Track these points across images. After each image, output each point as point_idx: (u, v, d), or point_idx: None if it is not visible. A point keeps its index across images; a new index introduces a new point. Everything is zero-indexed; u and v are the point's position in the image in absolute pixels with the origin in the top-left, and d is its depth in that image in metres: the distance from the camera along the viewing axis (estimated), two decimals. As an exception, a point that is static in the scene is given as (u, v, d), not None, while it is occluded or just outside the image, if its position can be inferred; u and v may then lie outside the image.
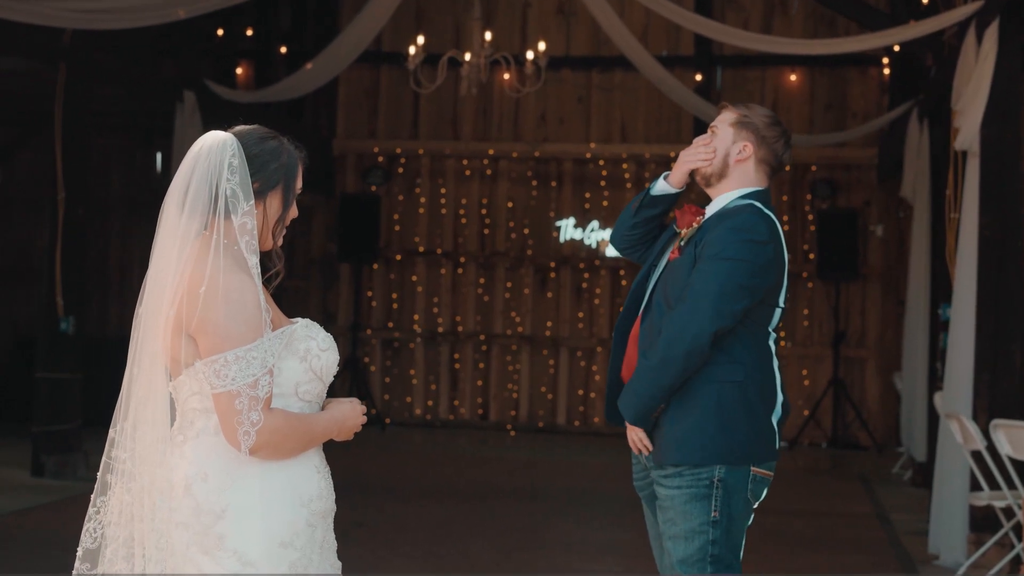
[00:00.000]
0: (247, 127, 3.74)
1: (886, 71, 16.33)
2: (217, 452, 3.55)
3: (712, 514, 4.64)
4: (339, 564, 3.79)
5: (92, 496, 3.64)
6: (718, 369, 4.66)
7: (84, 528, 3.64)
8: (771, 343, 4.79)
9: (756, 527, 10.40)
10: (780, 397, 4.77)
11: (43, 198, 11.83)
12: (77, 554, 3.64)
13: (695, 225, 4.87)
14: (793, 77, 16.83)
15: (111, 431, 3.65)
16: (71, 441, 11.78)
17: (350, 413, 3.75)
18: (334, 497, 3.73)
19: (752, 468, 4.66)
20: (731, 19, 16.41)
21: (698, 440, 4.64)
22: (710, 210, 4.91)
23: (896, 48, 13.74)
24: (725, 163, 4.90)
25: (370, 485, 11.48)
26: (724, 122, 4.94)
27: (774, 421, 4.72)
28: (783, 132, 4.95)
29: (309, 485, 3.64)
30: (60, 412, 11.73)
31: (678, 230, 4.95)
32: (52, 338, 11.80)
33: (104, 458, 3.65)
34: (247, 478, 3.55)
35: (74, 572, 3.66)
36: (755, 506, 4.79)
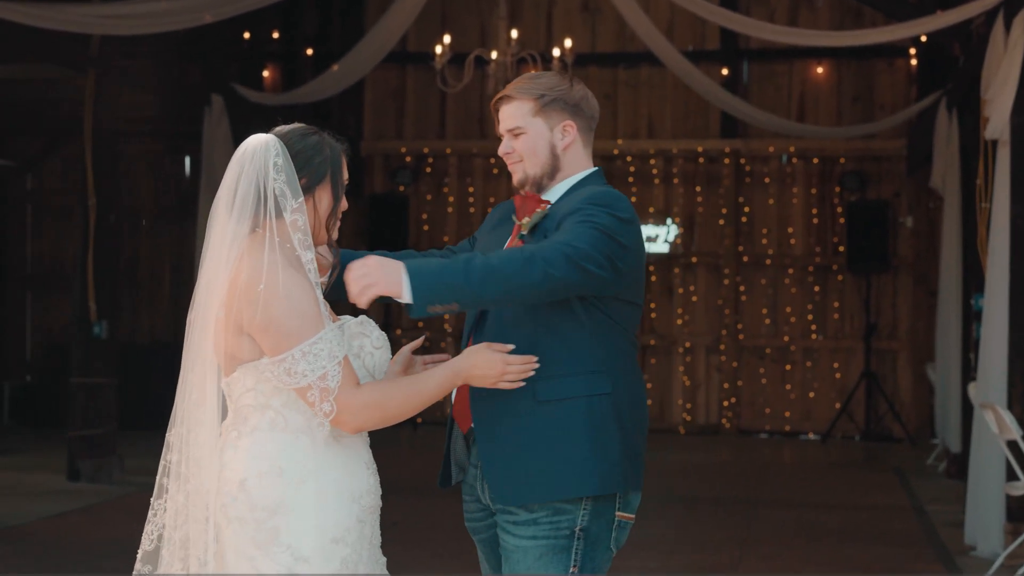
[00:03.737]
0: (287, 126, 3.82)
1: (913, 62, 16.25)
2: (271, 448, 3.62)
3: (571, 569, 3.92)
4: (384, 560, 3.84)
5: (152, 499, 3.73)
6: (580, 381, 3.90)
7: (144, 531, 3.74)
8: (634, 349, 4.09)
9: (791, 521, 10.40)
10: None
11: (74, 205, 11.89)
12: (137, 555, 3.75)
13: (540, 210, 4.08)
14: (820, 70, 16.77)
15: (168, 435, 3.73)
16: (106, 445, 11.84)
17: (480, 362, 3.76)
18: (380, 493, 3.79)
19: (617, 513, 3.95)
20: (757, 12, 16.36)
21: (567, 470, 3.87)
22: (553, 196, 4.13)
23: (923, 38, 13.69)
24: (553, 156, 4.10)
25: (403, 484, 11.47)
26: (526, 114, 4.07)
27: (640, 442, 4.03)
28: (577, 82, 4.16)
29: (360, 481, 3.70)
30: (95, 417, 11.80)
31: (518, 220, 4.15)
32: (86, 343, 11.87)
33: (162, 461, 3.73)
34: (301, 475, 3.60)
35: (134, 573, 3.77)
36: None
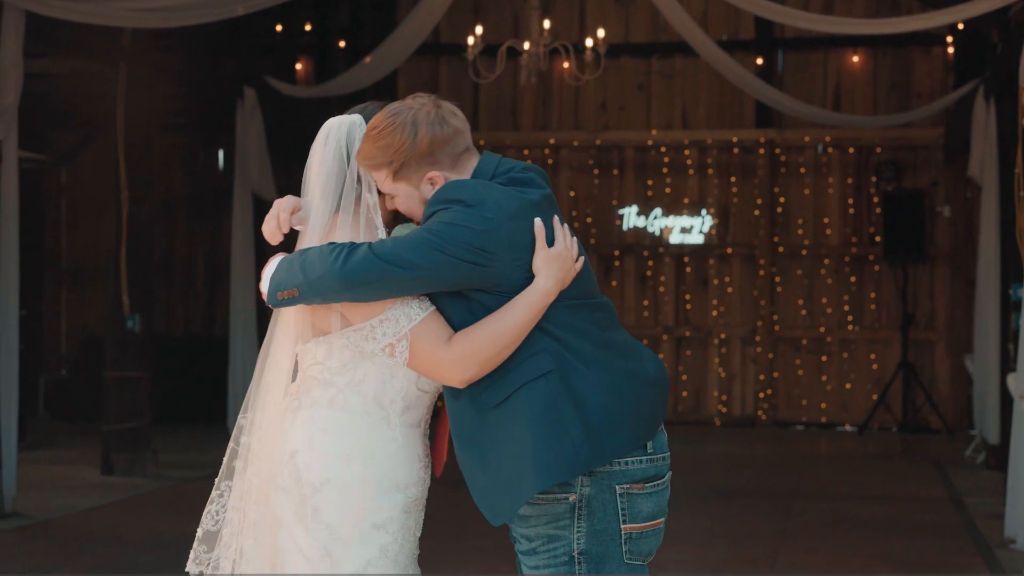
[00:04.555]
0: (364, 105, 3.89)
1: (950, 49, 16.10)
2: (325, 425, 3.66)
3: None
4: (417, 551, 3.83)
5: (216, 480, 3.78)
6: (519, 371, 3.65)
7: (206, 511, 3.78)
8: (589, 317, 3.81)
9: (829, 514, 10.32)
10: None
11: (108, 199, 11.88)
12: (197, 535, 3.78)
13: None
14: (856, 58, 16.64)
15: (239, 419, 3.81)
16: (140, 439, 11.83)
17: (557, 270, 3.64)
18: (428, 486, 3.80)
19: (620, 487, 3.67)
20: (792, 1, 16.25)
21: (515, 473, 3.61)
22: None
23: (960, 25, 13.55)
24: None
25: (444, 476, 11.43)
26: (385, 182, 3.73)
27: (624, 405, 3.70)
28: (424, 109, 3.73)
29: (409, 472, 3.72)
30: (128, 410, 11.79)
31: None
32: (119, 337, 11.87)
33: (231, 444, 3.79)
34: (350, 455, 3.64)
35: (192, 552, 3.79)
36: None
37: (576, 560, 3.67)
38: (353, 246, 3.59)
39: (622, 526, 3.69)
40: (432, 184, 3.71)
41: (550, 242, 3.69)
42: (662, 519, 3.77)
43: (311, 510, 3.62)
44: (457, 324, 3.67)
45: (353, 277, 3.56)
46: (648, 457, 3.73)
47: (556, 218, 3.75)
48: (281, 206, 3.80)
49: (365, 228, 3.72)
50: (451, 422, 3.76)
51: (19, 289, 10.04)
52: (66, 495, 10.77)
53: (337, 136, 3.78)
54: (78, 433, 14.19)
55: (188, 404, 15.31)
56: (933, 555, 8.92)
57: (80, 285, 17.40)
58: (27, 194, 16.55)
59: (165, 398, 14.51)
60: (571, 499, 3.66)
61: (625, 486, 3.69)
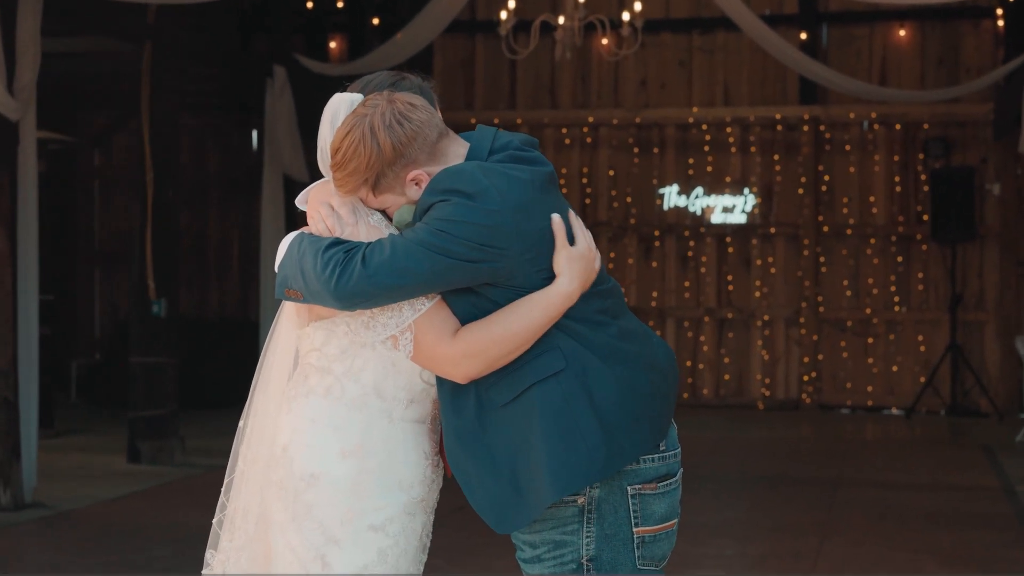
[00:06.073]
0: (371, 76, 3.63)
1: (1000, 23, 15.66)
2: (320, 416, 3.40)
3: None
4: (424, 558, 3.57)
5: (227, 468, 3.61)
6: (528, 369, 3.37)
7: (219, 503, 3.60)
8: (602, 307, 3.56)
9: (875, 503, 9.97)
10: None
11: (140, 181, 11.63)
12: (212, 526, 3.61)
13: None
14: (903, 32, 16.22)
15: (241, 421, 3.61)
16: (167, 427, 11.58)
17: (580, 270, 3.34)
18: (440, 486, 3.53)
19: (631, 488, 3.40)
20: (836, -27, 15.87)
21: (529, 483, 3.34)
22: None
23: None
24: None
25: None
26: (369, 197, 3.44)
27: (641, 405, 3.42)
28: (388, 105, 3.38)
29: (413, 470, 3.44)
30: (155, 397, 11.54)
31: None
32: (145, 322, 11.61)
33: (236, 436, 3.62)
34: (345, 449, 3.38)
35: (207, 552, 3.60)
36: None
37: (585, 567, 3.38)
38: (347, 257, 3.28)
39: (634, 529, 3.40)
40: (417, 184, 3.38)
41: (570, 239, 3.38)
42: (675, 520, 3.48)
43: (303, 507, 3.36)
44: (462, 318, 3.38)
45: (346, 298, 3.28)
46: (660, 455, 3.43)
47: (571, 212, 3.43)
48: (321, 213, 3.45)
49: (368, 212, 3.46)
50: (449, 420, 3.42)
51: (51, 273, 9.80)
52: (90, 484, 10.54)
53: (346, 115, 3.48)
54: (109, 419, 13.97)
55: (221, 388, 15.08)
56: (987, 549, 8.55)
57: (113, 268, 17.26)
58: (59, 176, 16.55)
59: (199, 383, 14.30)
60: (579, 502, 3.36)
61: (637, 487, 3.39)
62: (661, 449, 3.44)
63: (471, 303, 3.36)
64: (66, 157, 16.85)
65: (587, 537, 3.37)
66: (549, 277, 3.35)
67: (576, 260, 3.35)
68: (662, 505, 3.43)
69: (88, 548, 8.35)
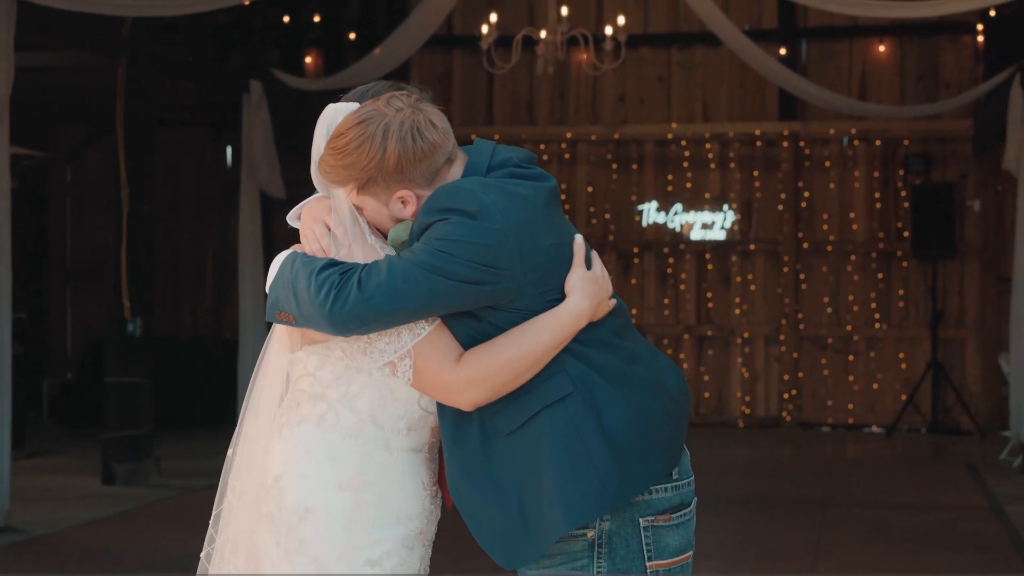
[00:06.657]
0: (369, 85, 3.49)
1: (980, 38, 15.61)
2: (316, 446, 3.25)
3: None
4: None
5: (216, 499, 3.47)
6: (535, 394, 3.23)
7: (207, 535, 3.48)
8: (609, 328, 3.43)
9: (863, 523, 9.81)
10: None
11: (113, 197, 11.44)
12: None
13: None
14: (882, 48, 16.15)
15: (230, 450, 3.48)
16: (142, 448, 11.36)
17: (594, 291, 3.20)
18: (438, 518, 3.38)
19: (643, 524, 3.24)
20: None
21: (538, 514, 3.18)
22: None
23: (992, 13, 13.08)
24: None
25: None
26: (352, 194, 3.27)
27: (653, 427, 3.27)
28: (398, 114, 3.21)
29: (411, 501, 3.29)
30: (130, 418, 11.33)
31: None
32: (119, 341, 11.40)
33: (225, 465, 3.48)
34: (340, 481, 3.22)
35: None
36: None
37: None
38: (342, 280, 3.12)
39: (647, 563, 3.23)
40: (403, 203, 3.23)
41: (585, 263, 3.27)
42: (691, 552, 3.32)
43: (296, 541, 3.21)
44: (462, 343, 3.22)
45: (342, 323, 3.13)
46: (673, 484, 3.29)
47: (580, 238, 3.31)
48: (316, 231, 3.29)
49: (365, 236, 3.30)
50: (451, 450, 3.26)
51: (22, 290, 9.58)
52: (64, 507, 10.32)
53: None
54: (82, 439, 13.74)
55: (197, 408, 14.88)
56: (979, 570, 8.43)
57: (85, 286, 17.02)
58: (30, 192, 16.32)
59: (173, 402, 14.09)
60: (589, 535, 3.21)
61: (649, 518, 3.24)
62: (674, 477, 3.29)
63: (471, 327, 3.22)
64: (36, 173, 16.64)
65: (598, 572, 3.22)
66: (554, 299, 3.21)
67: (590, 281, 3.22)
68: (676, 537, 3.28)
69: (80, 572, 8.15)
